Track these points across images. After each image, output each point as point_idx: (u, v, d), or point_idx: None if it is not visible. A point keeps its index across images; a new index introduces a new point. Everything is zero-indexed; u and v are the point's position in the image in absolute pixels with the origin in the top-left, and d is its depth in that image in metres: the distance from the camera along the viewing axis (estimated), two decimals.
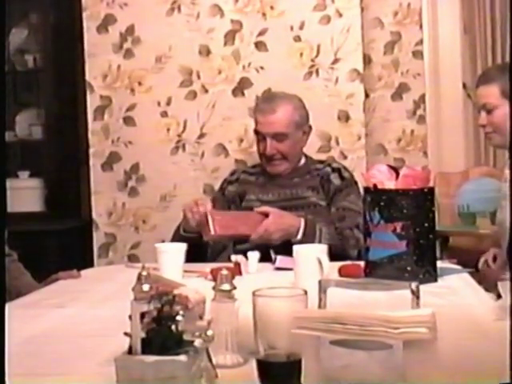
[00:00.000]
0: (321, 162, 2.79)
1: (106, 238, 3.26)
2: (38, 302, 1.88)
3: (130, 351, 0.99)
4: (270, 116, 2.63)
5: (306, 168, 2.72)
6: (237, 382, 1.12)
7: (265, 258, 2.24)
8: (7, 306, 1.83)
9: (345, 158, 3.11)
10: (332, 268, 1.93)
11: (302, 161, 2.75)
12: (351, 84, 3.14)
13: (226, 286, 1.23)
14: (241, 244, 2.46)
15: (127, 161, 3.24)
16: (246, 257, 2.20)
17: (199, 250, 2.42)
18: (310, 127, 2.76)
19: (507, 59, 3.16)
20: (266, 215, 2.39)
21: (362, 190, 2.69)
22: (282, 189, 2.65)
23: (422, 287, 1.13)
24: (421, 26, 3.25)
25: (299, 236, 2.39)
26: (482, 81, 2.45)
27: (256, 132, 2.71)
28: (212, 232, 2.32)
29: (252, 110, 2.94)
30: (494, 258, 2.32)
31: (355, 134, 3.16)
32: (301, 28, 3.14)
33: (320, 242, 2.37)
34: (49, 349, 1.40)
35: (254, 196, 2.66)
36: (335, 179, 2.66)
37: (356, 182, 2.72)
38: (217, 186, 2.96)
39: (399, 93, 3.28)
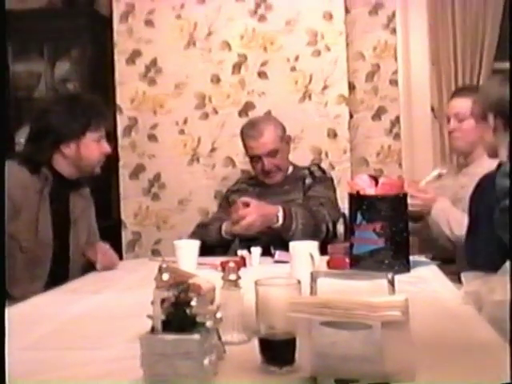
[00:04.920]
0: (304, 168, 2.78)
1: (132, 235, 3.26)
2: (76, 289, 1.88)
3: (153, 331, 0.99)
4: (260, 139, 2.61)
5: (294, 176, 2.72)
6: (242, 356, 1.12)
7: (266, 252, 2.24)
8: (53, 292, 1.84)
9: (333, 168, 3.11)
10: (322, 261, 1.94)
11: (290, 169, 2.74)
12: (338, 106, 3.14)
13: (233, 276, 1.23)
14: (247, 241, 2.45)
15: (151, 171, 3.24)
16: (250, 251, 2.20)
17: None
18: (290, 137, 2.76)
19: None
20: (248, 205, 2.32)
21: (336, 185, 2.73)
22: (274, 195, 2.62)
23: (397, 277, 1.13)
24: (396, 59, 3.24)
25: (280, 221, 2.33)
26: (458, 93, 2.40)
27: (250, 156, 2.68)
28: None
29: None
30: None
31: (342, 148, 3.15)
32: (296, 60, 3.14)
33: (297, 223, 2.33)
34: (86, 327, 1.41)
35: None
36: (308, 179, 2.67)
37: (329, 179, 2.72)
38: None
39: (378, 114, 3.28)
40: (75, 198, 2.25)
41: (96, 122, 2.17)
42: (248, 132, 2.67)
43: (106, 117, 2.26)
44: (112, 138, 2.73)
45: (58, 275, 2.12)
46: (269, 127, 2.64)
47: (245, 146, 2.70)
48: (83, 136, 2.15)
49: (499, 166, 1.73)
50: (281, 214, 2.33)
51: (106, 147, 2.22)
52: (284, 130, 2.72)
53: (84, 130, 2.15)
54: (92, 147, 2.17)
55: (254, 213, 2.28)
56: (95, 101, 2.28)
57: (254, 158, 2.67)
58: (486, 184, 1.74)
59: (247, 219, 2.27)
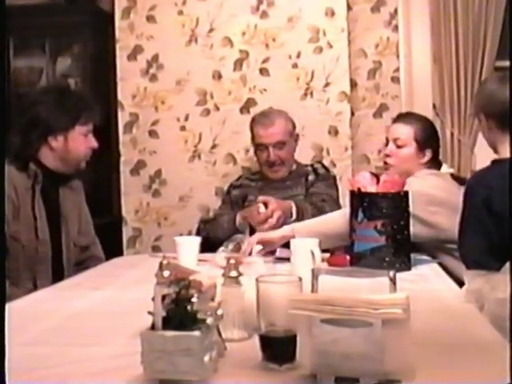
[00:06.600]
0: (307, 165, 2.80)
1: (133, 231, 3.26)
2: (78, 284, 1.88)
3: (153, 327, 0.98)
4: (270, 128, 2.65)
5: (297, 172, 2.74)
6: (242, 353, 1.12)
7: None
8: (53, 288, 1.84)
9: (334, 166, 3.10)
10: (323, 258, 1.93)
11: (294, 166, 2.76)
12: (340, 104, 3.14)
13: (234, 273, 1.23)
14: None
15: (151, 167, 3.24)
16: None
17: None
18: (298, 135, 2.79)
19: (470, 82, 3.15)
20: (265, 204, 2.35)
21: (338, 183, 2.76)
22: (276, 191, 2.64)
23: (398, 275, 1.12)
24: (398, 56, 3.24)
25: (294, 216, 2.37)
26: (401, 119, 2.45)
27: (257, 144, 2.70)
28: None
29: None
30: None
31: (343, 145, 3.15)
32: (298, 57, 3.14)
33: (308, 219, 2.34)
34: (87, 324, 1.41)
35: (254, 197, 2.66)
36: (311, 176, 2.70)
37: (331, 177, 2.75)
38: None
39: (380, 112, 3.27)
40: (65, 191, 2.26)
41: (86, 116, 2.18)
42: (259, 119, 2.71)
43: (95, 111, 2.24)
44: (104, 133, 2.75)
45: (54, 270, 2.13)
46: (280, 119, 2.69)
47: (253, 134, 2.73)
48: (72, 129, 2.16)
49: (493, 162, 1.72)
50: (294, 210, 2.38)
51: (93, 142, 2.22)
52: (294, 125, 2.76)
53: (73, 123, 2.15)
54: (80, 141, 2.18)
55: (278, 209, 2.31)
56: (86, 95, 2.30)
57: (260, 147, 2.69)
58: (473, 183, 1.73)
59: (275, 216, 2.30)
